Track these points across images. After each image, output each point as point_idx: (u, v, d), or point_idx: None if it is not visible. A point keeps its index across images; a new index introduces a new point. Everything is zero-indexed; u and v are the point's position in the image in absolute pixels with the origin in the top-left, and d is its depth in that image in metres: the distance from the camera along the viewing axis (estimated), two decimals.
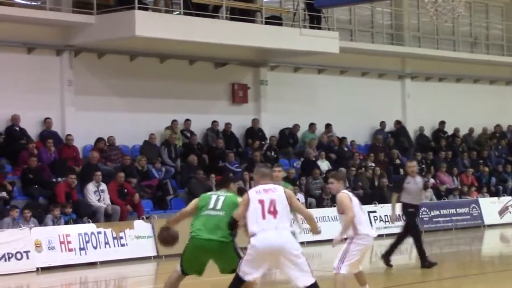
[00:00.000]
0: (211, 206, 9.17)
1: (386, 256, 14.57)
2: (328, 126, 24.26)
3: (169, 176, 20.04)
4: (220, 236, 9.00)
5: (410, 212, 14.28)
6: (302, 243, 19.01)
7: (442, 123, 27.07)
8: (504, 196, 25.14)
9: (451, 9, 12.78)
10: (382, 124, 25.64)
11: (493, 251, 16.99)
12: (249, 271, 8.71)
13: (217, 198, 9.24)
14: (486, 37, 29.55)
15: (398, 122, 25.68)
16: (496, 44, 29.90)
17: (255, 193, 8.86)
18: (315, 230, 9.67)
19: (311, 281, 8.76)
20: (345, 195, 10.19)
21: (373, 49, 25.32)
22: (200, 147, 21.39)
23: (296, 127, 23.56)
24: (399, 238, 14.60)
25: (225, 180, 9.76)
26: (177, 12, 19.88)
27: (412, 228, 14.44)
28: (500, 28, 30.23)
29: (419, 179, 14.51)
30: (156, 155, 20.29)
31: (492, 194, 25.06)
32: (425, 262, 14.22)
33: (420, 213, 14.36)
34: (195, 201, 9.45)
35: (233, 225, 8.95)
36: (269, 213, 8.72)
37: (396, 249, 14.59)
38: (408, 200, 14.29)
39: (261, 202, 8.75)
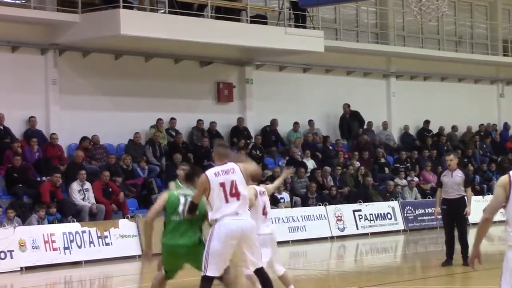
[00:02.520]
0: (180, 211, 8.80)
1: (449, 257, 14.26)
2: (310, 122, 24.30)
3: (154, 175, 20.01)
4: (191, 240, 8.77)
5: (442, 209, 14.05)
6: (287, 242, 19.15)
7: (427, 122, 27.15)
8: (488, 194, 25.22)
9: (435, 8, 12.82)
10: (369, 123, 25.68)
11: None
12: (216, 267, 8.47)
13: (185, 202, 8.80)
14: (471, 36, 29.67)
15: (348, 106, 25.03)
16: (480, 43, 30.02)
17: (214, 176, 8.54)
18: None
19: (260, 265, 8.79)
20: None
21: (358, 48, 25.38)
22: (185, 146, 21.37)
23: (275, 122, 23.46)
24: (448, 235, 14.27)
25: (192, 174, 9.25)
26: (162, 11, 19.86)
27: (444, 223, 14.27)
28: (484, 27, 30.35)
29: (456, 173, 14.05)
30: (141, 154, 20.26)
31: (476, 193, 25.13)
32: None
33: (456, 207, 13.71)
34: (163, 199, 8.94)
35: (193, 209, 8.64)
36: (231, 196, 8.48)
37: (462, 245, 14.15)
38: (443, 194, 14.04)
39: (222, 185, 8.48)
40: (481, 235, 6.41)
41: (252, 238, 8.60)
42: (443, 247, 14.42)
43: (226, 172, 8.55)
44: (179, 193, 8.98)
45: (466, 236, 14.22)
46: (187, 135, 21.93)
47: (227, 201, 8.46)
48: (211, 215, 8.55)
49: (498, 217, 6.55)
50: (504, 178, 6.43)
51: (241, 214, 8.51)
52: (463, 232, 14.15)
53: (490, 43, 29.92)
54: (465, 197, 14.02)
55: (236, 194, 8.49)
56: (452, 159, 14.22)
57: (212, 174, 8.57)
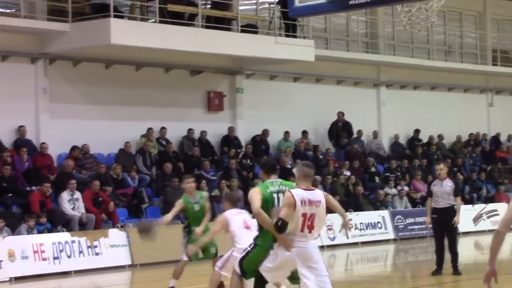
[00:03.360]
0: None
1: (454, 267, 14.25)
2: (304, 133, 24.33)
3: (144, 184, 20.00)
4: None
5: (432, 218, 14.06)
6: None
7: (417, 131, 27.22)
8: (478, 203, 25.32)
9: (425, 18, 12.88)
10: (359, 132, 25.73)
11: (468, 258, 17.06)
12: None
13: (278, 198, 8.51)
14: (460, 46, 29.79)
15: (342, 114, 24.89)
16: (470, 52, 30.15)
17: (300, 204, 8.02)
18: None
19: None
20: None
21: (348, 57, 25.45)
22: (176, 155, 21.35)
23: (266, 132, 23.50)
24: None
25: (274, 165, 8.83)
26: (153, 20, 19.87)
27: (434, 232, 14.30)
28: (473, 37, 30.50)
29: (446, 182, 14.06)
30: (131, 163, 20.24)
31: (466, 202, 25.18)
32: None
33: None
34: (258, 195, 8.40)
35: (283, 228, 8.08)
36: (307, 227, 8.11)
37: (452, 254, 14.18)
38: (433, 204, 14.07)
39: (304, 215, 8.05)
40: (495, 250, 5.90)
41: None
42: (433, 256, 14.44)
43: (311, 203, 8.12)
44: (272, 190, 8.61)
45: (456, 245, 14.24)
46: (177, 144, 21.92)
47: (302, 230, 8.11)
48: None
49: (487, 225, 6.54)
50: None
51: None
52: (453, 241, 14.17)
53: (479, 52, 30.05)
54: (455, 206, 14.05)
55: (311, 227, 8.13)
56: (442, 168, 14.26)
57: (299, 201, 8.06)
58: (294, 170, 8.49)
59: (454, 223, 13.95)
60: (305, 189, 8.15)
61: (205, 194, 12.60)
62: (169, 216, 12.05)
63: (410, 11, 15.14)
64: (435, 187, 14.07)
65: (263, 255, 8.43)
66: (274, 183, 8.69)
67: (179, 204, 12.18)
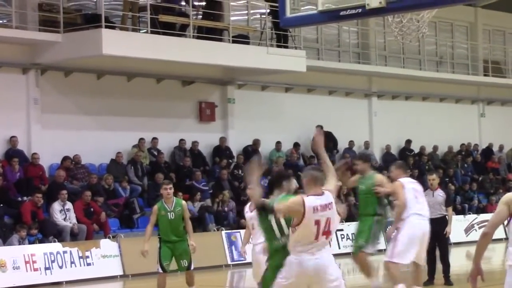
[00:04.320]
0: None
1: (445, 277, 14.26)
2: (296, 145, 24.33)
3: (136, 195, 19.97)
4: None
5: None
6: None
7: (409, 141, 27.26)
8: (469, 214, 25.35)
9: (416, 29, 12.93)
10: (350, 142, 25.75)
11: (460, 269, 17.06)
12: None
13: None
14: (451, 56, 29.88)
15: (321, 127, 24.87)
16: (461, 63, 30.25)
17: (312, 211, 7.58)
18: None
19: None
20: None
21: (340, 67, 25.50)
22: (167, 165, 21.33)
23: (257, 142, 23.49)
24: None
25: (281, 177, 8.41)
26: (144, 31, 19.88)
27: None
28: (465, 47, 30.60)
29: (438, 193, 14.11)
30: (123, 173, 20.21)
31: (458, 212, 25.24)
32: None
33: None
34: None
35: (263, 210, 7.87)
36: (322, 234, 7.67)
37: (444, 265, 14.21)
38: None
39: (317, 223, 7.60)
40: (480, 250, 6.10)
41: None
42: (425, 266, 14.44)
43: (324, 207, 7.67)
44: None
45: (448, 255, 14.25)
46: (169, 154, 21.91)
47: (316, 238, 7.68)
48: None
49: (479, 236, 6.55)
50: (509, 195, 6.38)
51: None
52: (445, 252, 14.18)
53: (470, 63, 30.15)
54: (447, 217, 14.07)
55: (328, 233, 7.74)
56: (434, 178, 14.32)
57: (311, 208, 7.60)
58: (302, 176, 8.08)
59: (446, 234, 13.97)
60: (315, 195, 7.71)
61: (183, 203, 12.36)
62: (145, 246, 12.01)
63: (401, 22, 15.19)
64: (426, 198, 14.08)
65: (275, 275, 7.92)
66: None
67: (154, 211, 12.09)
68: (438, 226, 13.88)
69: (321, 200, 7.67)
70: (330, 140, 25.08)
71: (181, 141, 21.87)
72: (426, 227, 12.15)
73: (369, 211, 12.62)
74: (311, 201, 7.64)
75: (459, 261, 20.93)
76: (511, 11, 30.28)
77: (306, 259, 7.63)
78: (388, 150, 26.95)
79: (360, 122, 26.64)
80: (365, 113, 26.91)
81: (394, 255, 11.76)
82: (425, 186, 14.61)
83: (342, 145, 25.69)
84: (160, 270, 11.95)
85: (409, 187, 12.22)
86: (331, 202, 7.73)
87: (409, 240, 11.90)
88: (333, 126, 25.16)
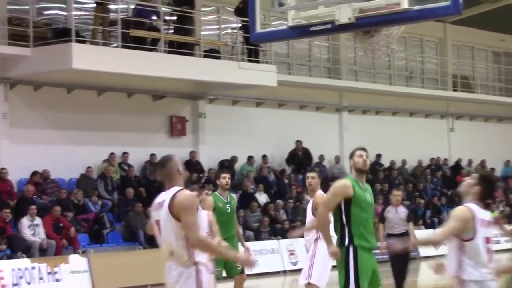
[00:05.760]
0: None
1: None
2: (264, 157, 24.37)
3: (106, 210, 19.86)
4: None
5: (388, 243, 14.10)
6: None
7: (379, 155, 27.37)
8: (439, 228, 25.46)
9: (385, 44, 12.99)
10: (321, 157, 25.80)
11: (429, 283, 17.16)
12: None
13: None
14: (421, 71, 30.12)
15: (300, 143, 24.88)
16: (430, 78, 30.50)
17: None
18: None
19: None
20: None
21: (311, 82, 25.60)
22: (138, 180, 21.25)
23: (235, 158, 23.55)
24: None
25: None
26: (115, 45, 19.83)
27: (390, 257, 14.37)
28: (434, 63, 30.87)
29: (400, 209, 14.21)
30: (92, 188, 20.10)
31: (427, 226, 25.39)
32: None
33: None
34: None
35: None
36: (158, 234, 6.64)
37: (401, 279, 14.25)
38: (388, 230, 14.15)
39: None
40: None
41: None
42: (390, 280, 14.51)
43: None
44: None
45: (407, 270, 14.36)
46: (139, 169, 21.82)
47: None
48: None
49: (443, 250, 6.64)
50: (465, 211, 6.57)
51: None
52: (404, 266, 14.32)
53: (440, 78, 30.39)
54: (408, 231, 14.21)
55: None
56: (400, 194, 14.55)
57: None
58: None
59: (407, 249, 14.06)
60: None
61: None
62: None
63: (372, 36, 15.24)
64: (389, 214, 14.23)
65: None
66: None
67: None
68: (402, 242, 13.98)
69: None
70: (307, 156, 25.19)
71: (152, 155, 21.79)
72: None
73: None
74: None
75: (428, 275, 21.03)
76: (479, 27, 30.64)
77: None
78: None
79: (331, 137, 26.73)
80: (336, 128, 27.01)
81: (312, 278, 11.24)
82: (388, 202, 14.75)
83: (313, 159, 25.77)
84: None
85: None
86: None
87: (325, 262, 11.40)
88: (304, 140, 25.22)
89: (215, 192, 11.89)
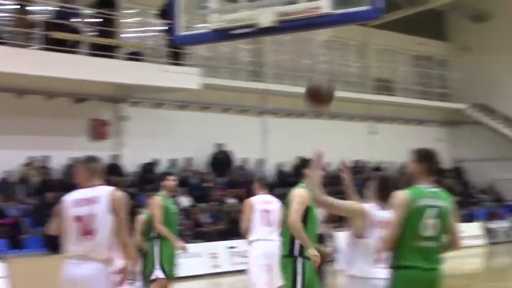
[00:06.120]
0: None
1: None
2: (188, 160, 24.28)
3: (26, 214, 19.50)
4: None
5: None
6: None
7: (304, 160, 27.47)
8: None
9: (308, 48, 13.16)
10: (243, 160, 25.84)
11: None
12: None
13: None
14: (343, 75, 30.44)
15: (219, 144, 25.10)
16: (352, 81, 30.84)
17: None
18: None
19: None
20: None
21: (234, 85, 25.62)
22: (59, 184, 20.90)
23: (157, 161, 23.38)
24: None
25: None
26: (34, 47, 19.47)
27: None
28: (356, 66, 31.23)
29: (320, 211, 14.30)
30: (12, 192, 19.70)
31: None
32: None
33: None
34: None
35: None
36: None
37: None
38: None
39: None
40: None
41: None
42: None
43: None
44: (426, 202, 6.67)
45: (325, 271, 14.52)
46: (61, 173, 21.48)
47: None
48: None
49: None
50: (360, 207, 6.69)
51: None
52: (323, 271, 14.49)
53: (361, 81, 30.77)
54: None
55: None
56: None
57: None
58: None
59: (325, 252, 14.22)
60: None
61: None
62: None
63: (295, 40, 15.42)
64: None
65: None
66: None
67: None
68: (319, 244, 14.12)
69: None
70: (227, 159, 25.19)
71: (73, 159, 21.46)
72: (270, 251, 11.32)
73: None
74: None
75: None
76: (400, 31, 31.16)
77: None
78: (281, 167, 27.16)
79: (254, 140, 26.80)
80: (259, 131, 27.08)
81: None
82: None
83: (235, 162, 25.79)
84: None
85: (259, 208, 11.73)
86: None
87: (257, 269, 11.54)
88: (228, 143, 25.23)
89: (161, 193, 11.85)
